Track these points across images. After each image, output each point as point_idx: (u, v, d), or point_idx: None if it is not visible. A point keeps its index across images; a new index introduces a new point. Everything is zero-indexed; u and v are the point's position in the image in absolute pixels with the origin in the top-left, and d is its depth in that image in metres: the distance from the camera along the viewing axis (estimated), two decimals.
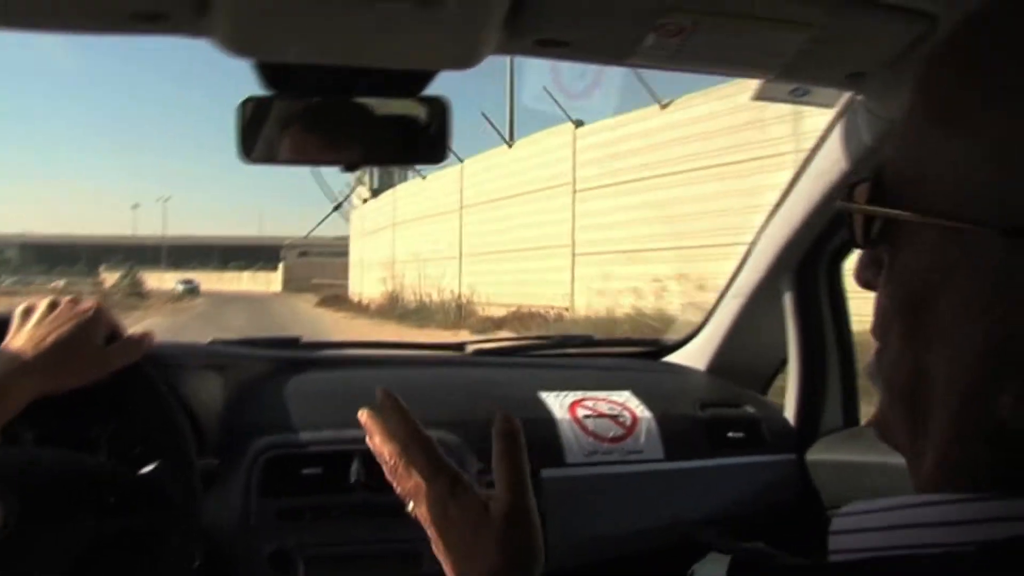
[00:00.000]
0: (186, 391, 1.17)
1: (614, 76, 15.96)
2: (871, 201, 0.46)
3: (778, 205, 1.45)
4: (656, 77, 13.90)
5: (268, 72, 0.98)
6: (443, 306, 19.14)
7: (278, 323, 20.76)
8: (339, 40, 0.89)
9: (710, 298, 1.66)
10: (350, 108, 1.04)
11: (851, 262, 1.12)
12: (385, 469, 0.79)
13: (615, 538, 1.29)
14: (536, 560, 0.72)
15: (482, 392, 1.36)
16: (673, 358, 1.69)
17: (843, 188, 0.49)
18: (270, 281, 59.79)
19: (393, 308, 21.69)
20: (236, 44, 0.87)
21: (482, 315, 17.37)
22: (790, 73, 1.08)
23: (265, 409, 1.24)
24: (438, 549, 0.75)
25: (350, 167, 1.05)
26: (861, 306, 0.71)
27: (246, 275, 67.90)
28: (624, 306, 12.48)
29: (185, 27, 0.84)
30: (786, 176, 1.42)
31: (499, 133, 18.28)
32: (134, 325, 1.16)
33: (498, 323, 15.41)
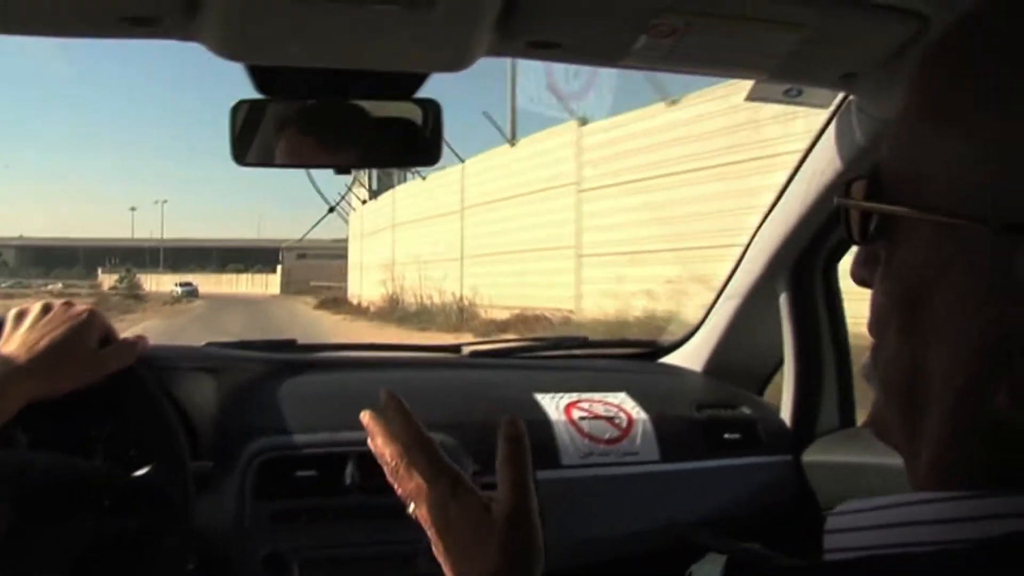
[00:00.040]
0: (180, 394, 1.16)
1: (609, 76, 15.52)
2: (868, 198, 0.47)
3: (773, 206, 1.45)
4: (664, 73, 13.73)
5: (260, 75, 0.98)
6: (444, 308, 18.77)
7: (276, 326, 20.69)
8: (330, 43, 0.89)
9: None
10: (343, 111, 1.04)
11: (847, 262, 1.13)
12: (386, 470, 0.79)
13: (611, 540, 1.29)
14: (536, 562, 0.72)
15: (478, 394, 1.36)
16: (669, 359, 1.69)
17: (839, 187, 0.49)
18: (268, 283, 59.79)
19: (393, 311, 21.37)
20: (227, 48, 0.87)
21: (485, 318, 17.02)
22: (783, 74, 1.08)
23: (260, 412, 1.23)
24: (438, 550, 0.75)
25: (343, 170, 1.05)
26: (858, 309, 0.71)
27: (244, 277, 67.90)
28: (636, 309, 11.96)
29: (176, 31, 0.84)
30: None
31: (501, 132, 17.94)
32: (131, 327, 1.16)
33: (501, 326, 15.02)
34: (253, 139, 1.04)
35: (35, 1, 0.81)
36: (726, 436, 1.43)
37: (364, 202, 29.00)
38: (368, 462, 1.16)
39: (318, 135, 1.06)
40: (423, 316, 18.91)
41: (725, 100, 10.79)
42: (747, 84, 1.16)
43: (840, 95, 1.22)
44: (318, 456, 1.16)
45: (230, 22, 0.83)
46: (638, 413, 1.38)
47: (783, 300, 1.51)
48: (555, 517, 1.19)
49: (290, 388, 1.30)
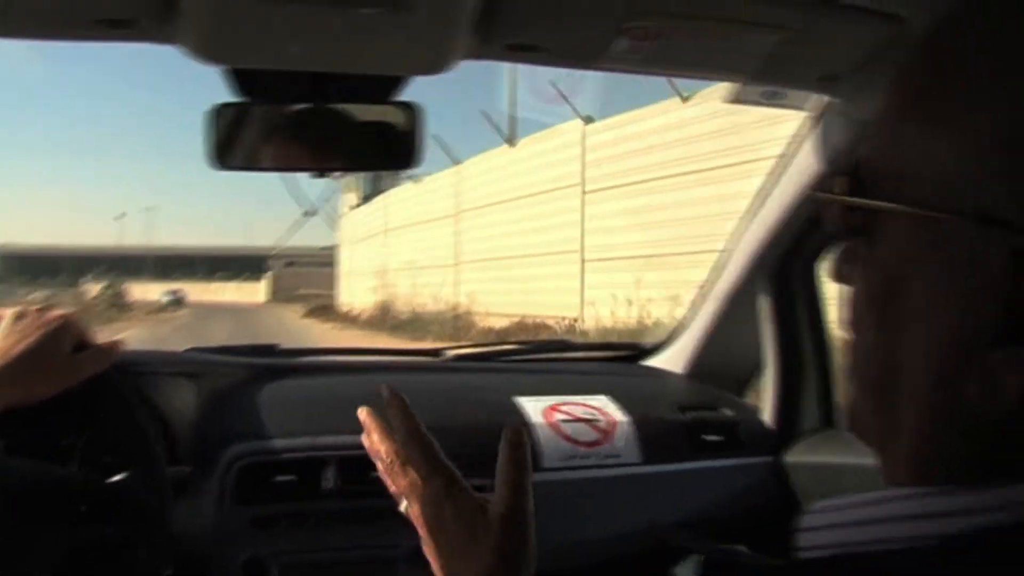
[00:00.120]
0: (159, 399, 1.16)
1: (594, 77, 15.49)
2: (848, 195, 0.47)
3: (754, 208, 1.46)
4: None
5: (239, 78, 0.98)
6: (439, 316, 18.10)
7: (263, 335, 20.34)
8: (308, 46, 0.89)
9: None
10: (322, 114, 1.04)
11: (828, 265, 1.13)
12: (380, 467, 0.80)
13: (593, 542, 1.29)
14: (529, 564, 0.73)
15: (459, 398, 1.36)
16: (651, 362, 1.70)
17: (820, 184, 0.49)
18: (256, 292, 59.59)
19: (385, 319, 20.83)
20: (204, 51, 0.86)
21: (482, 326, 16.39)
22: (762, 76, 1.09)
23: (240, 416, 1.23)
24: (429, 549, 0.75)
25: (322, 173, 1.05)
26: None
27: (232, 286, 67.62)
28: (648, 316, 11.36)
29: (152, 34, 0.84)
30: None
31: (499, 132, 17.10)
32: (111, 338, 1.16)
33: (501, 335, 13.98)
34: (231, 143, 1.04)
35: (8, 3, 0.80)
36: (708, 438, 1.43)
37: (354, 207, 28.83)
38: (348, 466, 1.16)
39: (295, 139, 1.06)
40: (416, 324, 18.30)
41: None
42: None
43: (819, 97, 1.23)
44: (298, 460, 1.16)
45: (206, 25, 0.83)
46: (620, 415, 1.38)
47: (764, 302, 1.52)
48: (536, 520, 1.19)
49: (271, 393, 1.29)
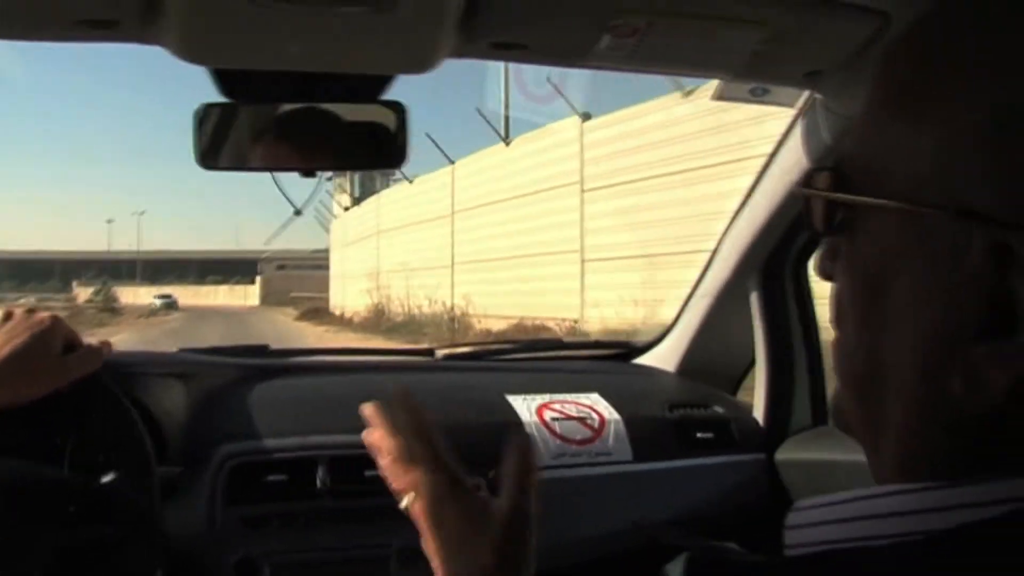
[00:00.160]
0: (148, 400, 1.16)
1: (589, 73, 15.18)
2: (831, 190, 0.47)
3: (742, 205, 1.46)
4: None
5: (224, 79, 0.97)
6: (434, 319, 17.83)
7: (256, 339, 20.28)
8: (291, 46, 0.88)
9: None
10: (309, 114, 1.04)
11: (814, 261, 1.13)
12: (382, 463, 0.81)
13: (584, 540, 1.29)
14: (528, 565, 0.74)
15: (450, 397, 1.36)
16: (643, 360, 1.70)
17: (804, 179, 0.50)
18: (247, 295, 59.45)
19: (379, 321, 20.56)
20: (188, 52, 0.86)
21: (479, 328, 16.10)
22: (748, 73, 1.09)
23: (230, 417, 1.23)
24: (429, 545, 0.76)
25: (309, 173, 1.05)
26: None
27: (223, 289, 67.48)
28: (655, 316, 10.85)
29: (136, 34, 0.84)
30: None
31: (495, 130, 16.79)
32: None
33: (498, 337, 12.89)
34: (218, 143, 1.03)
35: None
36: (699, 435, 1.43)
37: (347, 209, 28.62)
38: (339, 466, 1.16)
39: (285, 139, 1.06)
40: (412, 327, 17.98)
41: None
42: None
43: (805, 94, 1.23)
44: (289, 460, 1.16)
45: (189, 25, 0.83)
46: (611, 414, 1.38)
47: (754, 299, 1.52)
48: None
49: (261, 393, 1.29)
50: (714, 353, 1.62)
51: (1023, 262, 0.38)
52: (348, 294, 27.29)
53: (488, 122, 16.60)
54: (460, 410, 1.32)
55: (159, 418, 1.15)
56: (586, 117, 14.00)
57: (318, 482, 1.14)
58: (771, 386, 1.52)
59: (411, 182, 20.96)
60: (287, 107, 1.05)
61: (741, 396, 1.64)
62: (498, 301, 16.02)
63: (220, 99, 1.01)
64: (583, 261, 13.91)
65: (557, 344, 1.78)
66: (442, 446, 0.80)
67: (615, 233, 12.78)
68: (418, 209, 20.76)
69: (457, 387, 1.43)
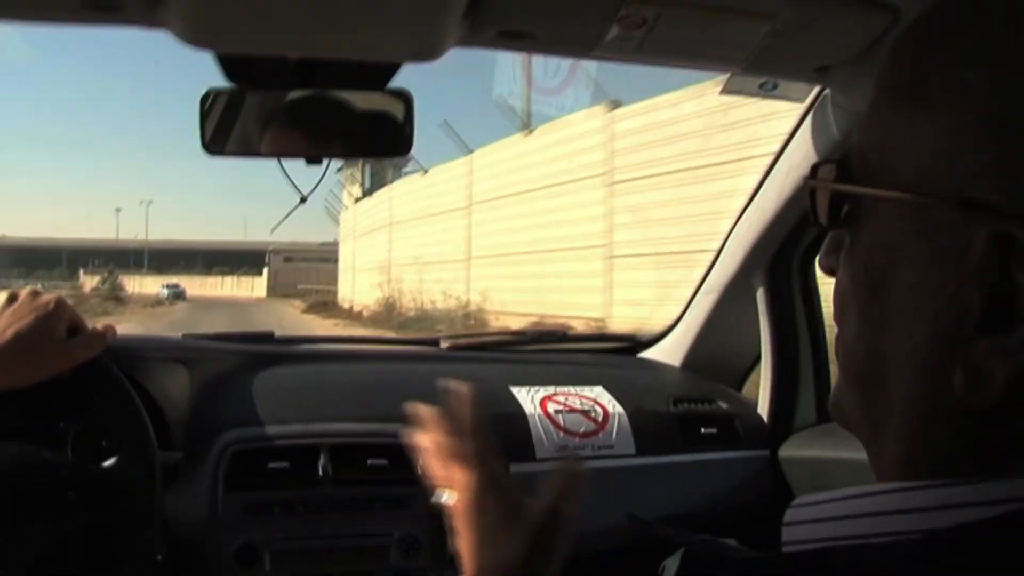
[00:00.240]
0: (151, 385, 1.16)
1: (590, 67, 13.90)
2: (836, 182, 0.47)
3: (750, 201, 1.45)
4: None
5: (230, 64, 0.97)
6: (448, 314, 16.92)
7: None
8: (297, 31, 0.88)
9: None
10: (315, 101, 1.04)
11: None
12: (422, 457, 0.84)
13: (585, 534, 1.28)
14: (554, 569, 0.76)
15: None
16: (648, 354, 1.69)
17: (810, 172, 0.49)
18: (254, 286, 59.60)
19: (390, 316, 19.82)
20: (193, 36, 0.86)
21: (496, 325, 14.71)
22: (757, 67, 1.08)
23: (233, 403, 1.23)
24: (461, 541, 0.78)
25: (315, 160, 1.05)
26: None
27: (230, 280, 67.63)
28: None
29: (140, 18, 0.83)
30: None
31: (515, 119, 15.98)
32: None
33: None
34: (223, 129, 1.03)
35: None
36: (703, 431, 1.43)
37: (358, 200, 28.36)
38: (341, 454, 1.16)
39: (291, 125, 1.06)
40: (424, 322, 17.08)
41: None
42: None
43: (815, 89, 1.23)
44: (291, 447, 1.16)
45: (195, 9, 0.82)
46: (614, 407, 1.38)
47: (760, 295, 1.51)
48: None
49: (265, 380, 1.29)
50: (719, 348, 1.61)
51: None
52: (358, 287, 26.68)
53: (509, 110, 16.02)
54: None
55: (162, 403, 1.15)
56: (614, 105, 13.00)
57: (320, 470, 1.14)
58: (776, 382, 1.51)
59: (426, 172, 20.29)
60: (294, 94, 1.04)
61: (746, 392, 1.63)
62: (517, 297, 15.19)
63: (225, 85, 1.01)
64: (609, 257, 12.92)
65: (562, 336, 1.78)
66: (486, 444, 0.81)
67: (648, 228, 11.89)
68: (433, 201, 19.88)
69: (461, 377, 1.42)
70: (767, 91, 1.22)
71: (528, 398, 1.35)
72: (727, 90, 1.23)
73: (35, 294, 1.02)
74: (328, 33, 0.88)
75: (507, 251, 15.95)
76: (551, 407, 1.34)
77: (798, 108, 1.29)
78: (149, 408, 1.07)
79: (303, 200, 1.12)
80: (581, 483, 0.81)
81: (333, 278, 34.37)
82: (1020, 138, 0.38)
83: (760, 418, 1.51)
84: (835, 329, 0.50)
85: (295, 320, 25.10)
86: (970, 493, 0.39)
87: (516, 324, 13.43)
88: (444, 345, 1.60)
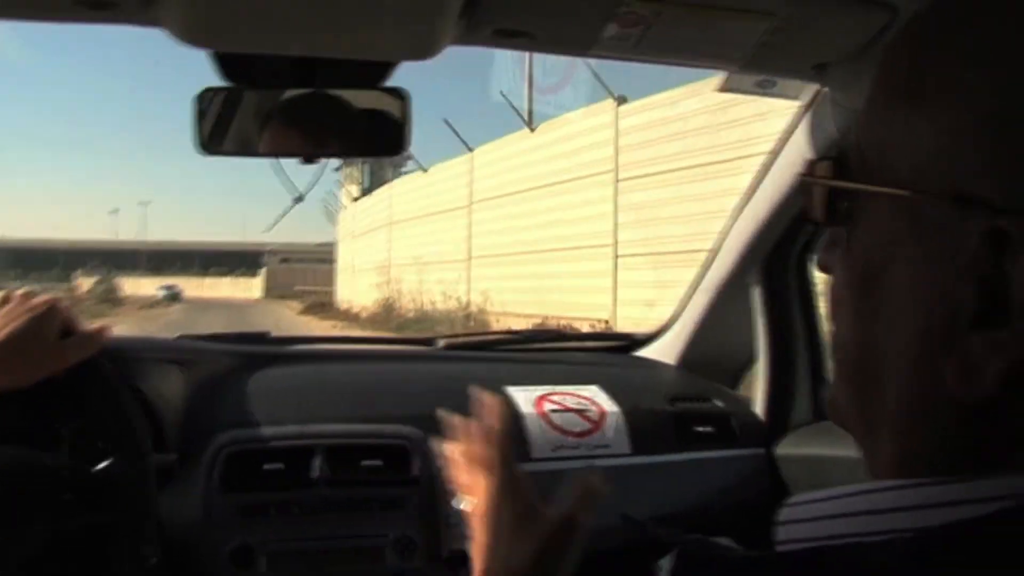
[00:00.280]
0: (146, 386, 1.15)
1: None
2: (832, 179, 0.47)
3: (747, 198, 1.45)
4: None
5: (225, 63, 0.97)
6: (449, 315, 16.55)
7: None
8: (294, 29, 0.88)
9: None
10: (310, 100, 1.04)
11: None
12: (447, 463, 0.87)
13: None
14: (568, 566, 0.78)
15: (448, 387, 1.35)
16: (644, 352, 1.69)
17: (806, 169, 0.49)
18: (251, 287, 59.53)
19: (388, 317, 19.58)
20: (189, 34, 0.86)
21: (497, 327, 14.14)
22: (755, 64, 1.08)
23: (228, 404, 1.23)
24: (475, 544, 0.80)
25: (310, 159, 1.04)
26: None
27: (226, 281, 67.54)
28: None
29: (135, 16, 0.83)
30: None
31: (520, 115, 15.01)
32: None
33: None
34: (218, 128, 1.03)
35: None
36: (699, 429, 1.43)
37: (356, 199, 28.16)
38: (337, 455, 1.16)
39: (287, 124, 1.06)
40: (424, 324, 16.58)
41: None
42: None
43: (813, 87, 1.23)
44: (286, 449, 1.16)
45: (190, 7, 0.82)
46: (610, 406, 1.38)
47: (756, 294, 1.51)
48: None
49: (260, 380, 1.29)
50: (716, 347, 1.61)
51: (1018, 248, 0.37)
52: (356, 288, 26.29)
53: (512, 107, 15.07)
54: (459, 400, 1.32)
55: (156, 404, 1.15)
56: (621, 101, 12.51)
57: (315, 471, 1.13)
58: (772, 381, 1.51)
59: (426, 171, 19.88)
60: (290, 93, 1.04)
61: (742, 390, 1.63)
62: (519, 298, 14.69)
63: (222, 84, 1.00)
64: (616, 257, 12.45)
65: (558, 335, 1.77)
66: (508, 450, 0.84)
67: (657, 226, 11.32)
68: (433, 199, 19.41)
69: (456, 377, 1.42)
70: (765, 89, 1.22)
71: (524, 398, 1.35)
72: (725, 88, 1.23)
73: (29, 295, 1.01)
74: (324, 31, 0.88)
75: (509, 251, 15.58)
76: (547, 406, 1.34)
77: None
78: (144, 409, 1.07)
79: (299, 199, 1.11)
80: (600, 496, 0.83)
81: (330, 279, 34.27)
82: (1017, 137, 0.38)
83: (756, 416, 1.51)
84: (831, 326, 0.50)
85: (292, 321, 24.94)
86: (964, 491, 0.39)
87: (518, 326, 12.99)
88: (440, 345, 1.60)
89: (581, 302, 12.85)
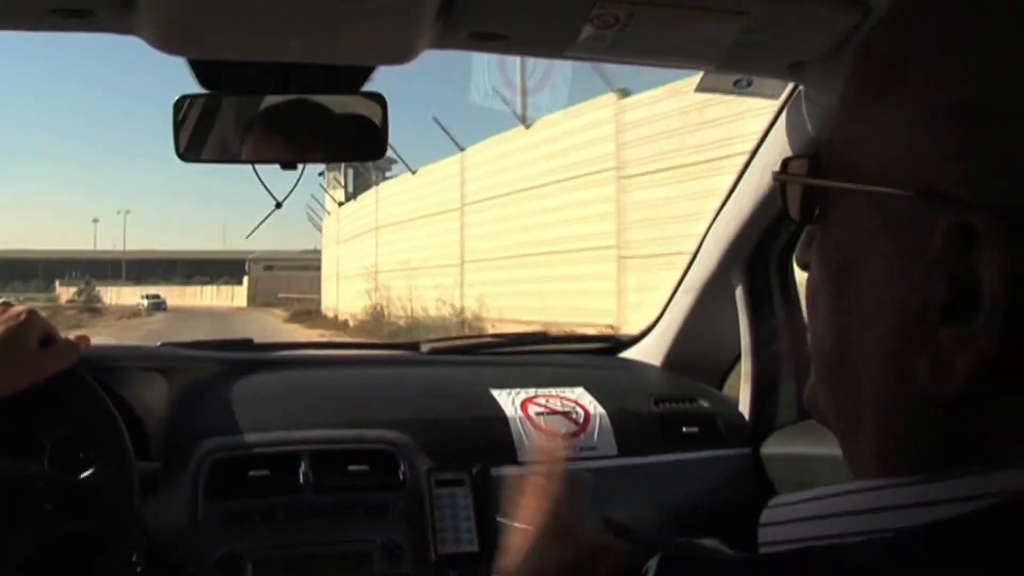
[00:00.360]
0: (129, 394, 1.15)
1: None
2: (806, 177, 0.47)
3: (727, 198, 1.46)
4: None
5: (203, 69, 0.97)
6: (443, 322, 15.69)
7: None
8: (270, 36, 0.88)
9: None
10: (289, 106, 1.03)
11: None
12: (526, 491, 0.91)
13: None
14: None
15: (434, 391, 1.35)
16: (628, 354, 1.69)
17: (782, 167, 0.50)
18: (234, 295, 59.17)
19: (378, 325, 18.79)
20: (165, 42, 0.85)
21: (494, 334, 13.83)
22: (731, 64, 1.09)
23: (212, 411, 1.22)
24: (512, 546, 0.85)
25: (289, 165, 1.04)
26: None
27: (210, 289, 67.15)
28: None
29: (111, 24, 0.83)
30: None
31: (514, 112, 14.11)
32: None
33: None
34: (198, 135, 1.03)
35: None
36: (684, 430, 1.43)
37: (341, 204, 27.87)
38: (322, 461, 1.15)
39: (266, 130, 1.05)
40: (417, 331, 15.47)
41: None
42: None
43: (790, 86, 1.23)
44: (271, 455, 1.15)
45: (166, 15, 0.82)
46: (595, 408, 1.38)
47: (739, 293, 1.51)
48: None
49: (244, 387, 1.29)
50: (700, 347, 1.61)
51: (985, 242, 0.37)
52: (343, 295, 25.65)
53: (506, 103, 14.19)
54: (444, 404, 1.32)
55: (140, 413, 1.14)
56: (624, 94, 11.74)
57: (301, 477, 1.13)
58: (756, 380, 1.51)
59: (414, 173, 19.20)
60: (269, 99, 1.04)
61: (727, 390, 1.63)
62: (516, 303, 13.78)
63: (199, 91, 1.00)
64: (620, 259, 11.67)
65: (543, 338, 1.78)
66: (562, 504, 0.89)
67: (664, 226, 10.48)
68: (422, 202, 18.53)
69: (442, 381, 1.42)
70: (742, 88, 1.23)
71: (509, 400, 1.35)
72: (702, 88, 1.24)
73: (6, 306, 1.01)
74: (301, 37, 0.88)
75: (505, 254, 14.69)
76: (532, 409, 1.34)
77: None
78: (127, 418, 1.06)
79: (278, 205, 1.11)
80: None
81: (315, 286, 33.99)
82: (980, 130, 0.39)
83: (741, 416, 1.51)
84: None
85: (277, 330, 24.52)
86: (943, 490, 0.39)
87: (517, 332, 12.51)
88: (424, 349, 1.60)
89: (584, 307, 12.04)
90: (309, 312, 29.13)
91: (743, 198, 1.41)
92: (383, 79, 1.02)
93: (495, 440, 1.27)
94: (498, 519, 0.89)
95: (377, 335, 16.84)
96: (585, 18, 0.89)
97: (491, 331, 13.16)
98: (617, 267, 11.70)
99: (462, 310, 15.67)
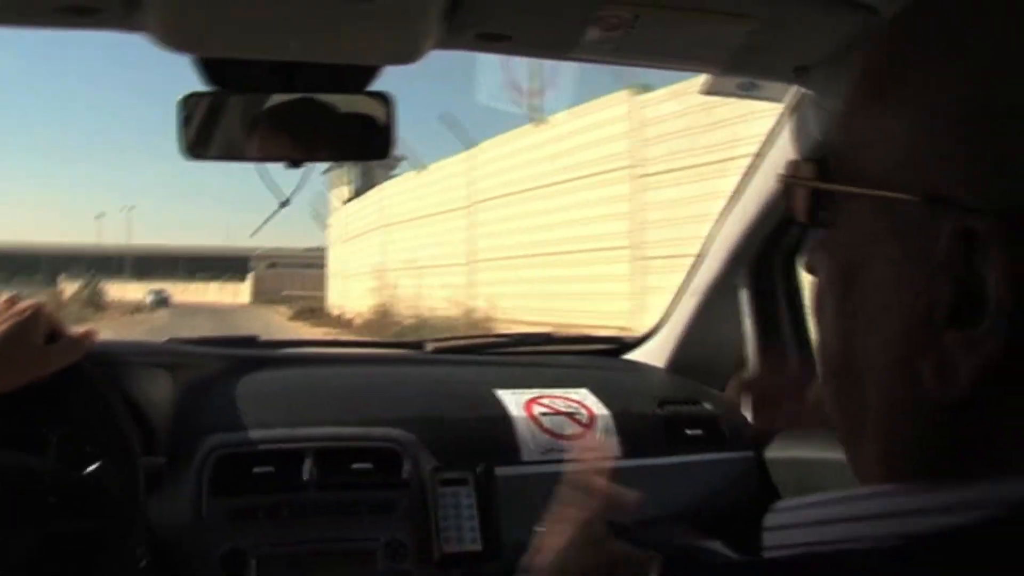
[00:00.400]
0: (134, 390, 1.15)
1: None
2: (813, 181, 0.47)
3: (732, 201, 1.46)
4: None
5: (209, 67, 0.97)
6: (451, 322, 15.10)
7: None
8: (276, 35, 0.88)
9: None
10: (295, 104, 1.04)
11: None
12: (567, 495, 0.97)
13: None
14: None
15: (438, 390, 1.35)
16: (633, 356, 1.69)
17: (787, 170, 0.50)
18: (238, 292, 59.14)
19: (385, 324, 18.27)
20: (171, 40, 0.86)
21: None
22: (737, 67, 1.09)
23: (217, 407, 1.22)
24: (543, 547, 0.92)
25: (295, 164, 1.04)
26: None
27: (213, 286, 67.10)
28: None
29: (117, 21, 0.83)
30: None
31: (526, 109, 13.16)
32: None
33: None
34: (203, 133, 1.03)
35: None
36: (688, 432, 1.43)
37: (346, 202, 27.74)
38: (326, 458, 1.16)
39: (272, 129, 1.05)
40: (424, 331, 14.63)
41: None
42: None
43: (795, 89, 1.23)
44: (275, 452, 1.16)
45: (172, 13, 0.82)
46: (600, 409, 1.38)
47: (744, 296, 1.51)
48: (515, 513, 1.19)
49: (249, 384, 1.29)
50: (704, 349, 1.61)
51: (989, 247, 0.37)
52: (348, 293, 25.44)
53: (518, 100, 13.17)
54: (449, 403, 1.32)
55: (145, 408, 1.14)
56: (642, 89, 11.23)
57: (305, 474, 1.13)
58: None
59: (425, 167, 18.60)
60: (275, 98, 1.04)
61: None
62: (528, 304, 13.38)
63: (206, 89, 1.00)
64: (636, 260, 11.29)
65: (548, 338, 1.78)
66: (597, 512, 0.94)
67: (681, 226, 10.02)
68: (430, 200, 18.16)
69: (446, 380, 1.42)
70: (747, 91, 1.23)
71: (513, 401, 1.35)
72: (707, 91, 1.23)
73: (13, 300, 1.01)
74: (307, 36, 0.88)
75: (515, 253, 14.33)
76: (536, 409, 1.34)
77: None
78: (132, 413, 1.07)
79: (284, 203, 1.11)
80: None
81: (319, 284, 33.88)
82: (984, 134, 0.39)
83: (745, 419, 1.51)
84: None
85: (281, 328, 24.30)
86: (948, 498, 0.39)
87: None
88: (429, 348, 1.60)
89: (597, 309, 11.60)
90: (313, 310, 28.98)
91: (748, 201, 1.42)
92: (390, 76, 1.02)
93: (499, 440, 1.27)
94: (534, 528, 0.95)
95: (384, 335, 16.06)
96: (591, 20, 0.90)
97: (500, 330, 13.35)
98: (631, 268, 11.35)
99: (471, 310, 15.25)
